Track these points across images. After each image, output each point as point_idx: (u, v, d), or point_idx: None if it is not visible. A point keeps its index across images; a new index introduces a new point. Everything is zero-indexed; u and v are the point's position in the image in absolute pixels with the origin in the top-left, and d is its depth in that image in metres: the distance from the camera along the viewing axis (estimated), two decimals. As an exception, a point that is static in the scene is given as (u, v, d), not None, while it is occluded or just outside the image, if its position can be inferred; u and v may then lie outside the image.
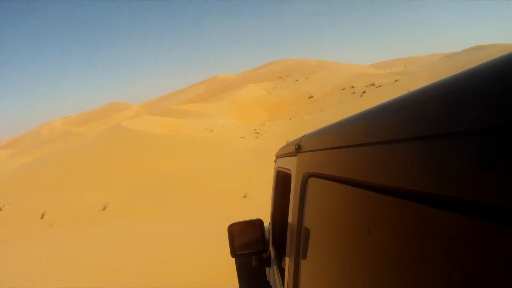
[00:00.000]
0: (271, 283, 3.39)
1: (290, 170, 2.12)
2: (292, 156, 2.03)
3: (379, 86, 72.58)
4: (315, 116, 62.80)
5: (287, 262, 1.94)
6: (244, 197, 17.93)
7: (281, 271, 2.50)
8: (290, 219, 1.93)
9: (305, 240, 1.49)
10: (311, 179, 1.43)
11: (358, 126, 0.88)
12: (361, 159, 0.82)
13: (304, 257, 1.49)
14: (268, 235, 3.81)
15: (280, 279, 2.51)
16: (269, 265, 3.41)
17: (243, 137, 44.59)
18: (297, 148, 1.81)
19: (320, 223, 1.29)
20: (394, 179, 0.65)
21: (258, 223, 2.84)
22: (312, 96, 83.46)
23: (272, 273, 3.32)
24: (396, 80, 75.70)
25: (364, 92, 72.97)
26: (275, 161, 3.36)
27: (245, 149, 26.56)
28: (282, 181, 3.15)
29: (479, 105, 0.45)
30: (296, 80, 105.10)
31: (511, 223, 0.38)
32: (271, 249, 3.42)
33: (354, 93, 75.76)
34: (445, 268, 0.49)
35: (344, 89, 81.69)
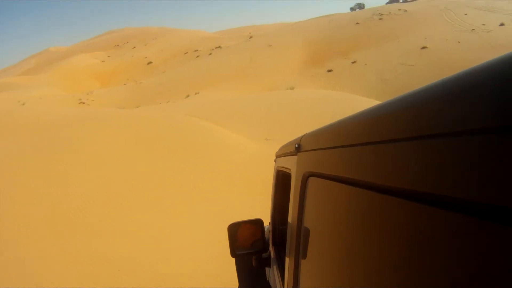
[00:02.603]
0: (271, 283, 3.39)
1: (290, 169, 2.15)
2: (292, 155, 2.06)
3: (227, 47, 69.66)
4: (154, 79, 59.52)
5: (287, 262, 1.98)
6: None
7: (281, 271, 2.47)
8: (290, 219, 1.95)
9: (305, 240, 1.52)
10: (311, 179, 1.45)
11: (358, 126, 0.90)
12: (361, 159, 0.83)
13: (304, 257, 1.52)
14: (268, 235, 3.67)
15: (280, 279, 2.49)
16: (269, 265, 3.44)
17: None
18: (297, 148, 1.83)
19: (320, 223, 1.32)
20: (394, 179, 0.65)
21: (258, 223, 2.85)
22: (151, 62, 79.32)
23: (272, 273, 3.31)
24: (251, 37, 74.14)
25: (210, 54, 69.82)
26: (275, 161, 3.39)
27: (63, 122, 18.05)
28: (282, 180, 3.14)
29: (479, 105, 0.44)
30: (134, 47, 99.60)
31: (511, 223, 0.38)
32: (271, 249, 3.44)
33: (198, 56, 72.25)
34: (445, 268, 0.49)
35: (187, 53, 78.44)
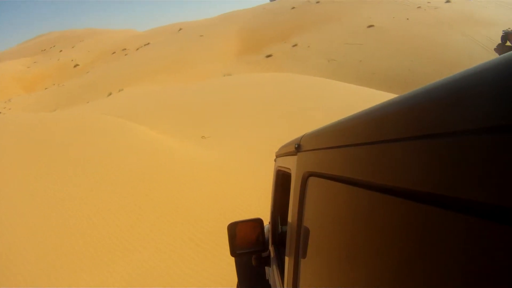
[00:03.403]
0: (271, 282, 3.38)
1: (289, 169, 2.17)
2: (291, 155, 2.07)
3: (156, 42, 66.65)
4: (77, 81, 55.32)
5: (287, 262, 2.00)
6: None
7: (281, 270, 2.47)
8: (289, 219, 1.97)
9: (305, 239, 1.53)
10: (311, 179, 1.46)
11: (359, 125, 0.91)
12: (361, 159, 0.84)
13: (304, 256, 1.53)
14: (268, 234, 3.63)
15: (280, 278, 2.49)
16: (268, 265, 3.43)
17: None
18: (297, 147, 1.83)
19: (320, 222, 1.32)
20: (395, 179, 0.66)
21: (258, 222, 2.90)
22: (78, 65, 74.99)
23: (271, 272, 3.33)
24: (180, 29, 72.68)
25: (137, 49, 66.69)
26: (275, 160, 3.31)
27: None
28: (281, 180, 3.07)
29: (479, 105, 0.45)
30: (61, 51, 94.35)
31: (511, 223, 0.38)
32: (271, 248, 3.42)
33: (126, 55, 68.12)
34: (445, 268, 0.49)
35: (114, 53, 74.22)
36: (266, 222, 3.91)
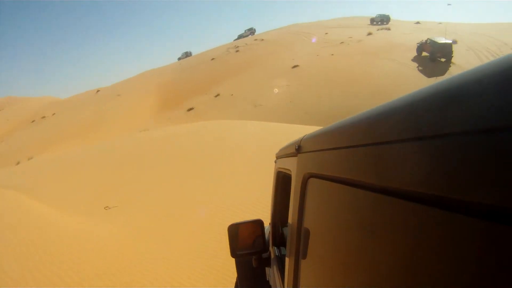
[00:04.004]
0: (271, 283, 3.33)
1: (290, 170, 2.15)
2: (292, 156, 2.06)
3: (73, 107, 63.97)
4: None
5: (287, 262, 1.99)
6: None
7: (281, 271, 2.47)
8: (290, 220, 1.95)
9: (305, 240, 1.51)
10: (311, 180, 1.45)
11: (359, 127, 0.91)
12: (362, 160, 0.83)
13: (304, 257, 1.51)
14: (268, 235, 3.63)
15: (280, 279, 2.48)
16: (269, 265, 3.42)
17: None
18: (297, 149, 1.82)
19: (320, 223, 1.31)
20: (395, 180, 0.65)
21: (258, 223, 2.90)
22: None
23: (272, 273, 3.30)
24: (98, 91, 72.47)
25: (53, 114, 64.48)
26: (275, 162, 3.25)
27: None
28: (282, 181, 3.03)
29: (479, 106, 0.45)
30: None
31: (511, 223, 0.38)
32: (271, 249, 3.39)
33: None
34: (445, 268, 0.49)
35: (34, 121, 71.35)
36: (267, 223, 3.89)
